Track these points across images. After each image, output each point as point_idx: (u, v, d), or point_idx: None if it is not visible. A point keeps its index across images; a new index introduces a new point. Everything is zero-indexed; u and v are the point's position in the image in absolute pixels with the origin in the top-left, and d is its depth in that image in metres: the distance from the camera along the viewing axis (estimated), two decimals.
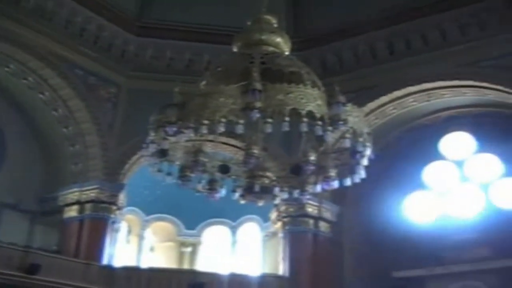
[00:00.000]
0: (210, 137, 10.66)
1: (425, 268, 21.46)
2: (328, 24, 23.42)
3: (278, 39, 10.74)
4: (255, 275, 22.67)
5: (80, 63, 22.61)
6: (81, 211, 22.00)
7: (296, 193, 10.73)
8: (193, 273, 23.16)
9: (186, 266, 25.38)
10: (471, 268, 20.83)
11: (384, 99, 22.76)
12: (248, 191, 10.45)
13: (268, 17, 11.03)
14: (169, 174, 10.48)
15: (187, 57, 23.97)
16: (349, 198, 22.96)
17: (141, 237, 25.21)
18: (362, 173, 10.17)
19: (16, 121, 22.80)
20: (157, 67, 23.89)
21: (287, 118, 9.04)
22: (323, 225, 22.99)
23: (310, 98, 9.31)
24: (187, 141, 10.37)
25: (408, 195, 23.76)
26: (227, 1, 23.35)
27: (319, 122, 9.16)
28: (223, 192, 10.85)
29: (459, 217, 22.71)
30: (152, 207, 24.87)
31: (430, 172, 23.83)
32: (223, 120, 9.13)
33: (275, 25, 11.02)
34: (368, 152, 9.91)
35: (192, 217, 25.39)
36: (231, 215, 25.40)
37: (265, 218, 24.40)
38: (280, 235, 23.15)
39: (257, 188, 10.35)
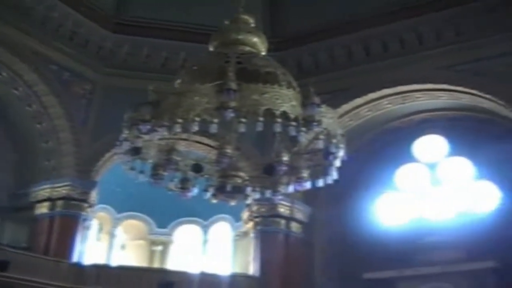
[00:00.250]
0: (184, 135, 10.62)
1: (396, 269, 21.54)
2: (305, 25, 23.46)
3: (255, 39, 10.74)
4: (226, 274, 22.63)
5: (55, 59, 22.44)
6: (52, 208, 21.85)
7: (268, 193, 10.72)
8: (163, 272, 23.12)
9: (156, 264, 25.31)
10: (441, 270, 20.97)
11: (359, 101, 22.85)
12: (220, 190, 10.43)
13: (246, 17, 11.02)
14: (141, 172, 10.41)
15: (164, 55, 23.88)
16: (321, 199, 23.01)
17: (112, 235, 25.09)
18: (334, 175, 10.20)
19: None
20: (133, 64, 23.77)
21: (261, 118, 9.03)
22: (294, 226, 23.01)
23: (285, 99, 9.30)
24: (160, 139, 10.32)
25: (380, 197, 23.87)
26: (205, 0, 23.29)
27: (293, 123, 9.16)
28: (195, 191, 10.81)
29: (431, 219, 22.86)
30: (124, 205, 24.78)
31: (403, 174, 23.96)
32: (197, 119, 9.11)
33: (253, 25, 11.01)
34: (341, 153, 9.94)
35: (163, 215, 25.36)
36: (202, 214, 25.36)
37: (237, 218, 24.40)
38: (252, 235, 23.16)
39: (229, 187, 10.34)
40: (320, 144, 9.92)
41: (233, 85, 9.05)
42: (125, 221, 25.53)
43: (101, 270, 21.56)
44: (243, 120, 9.20)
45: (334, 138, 9.77)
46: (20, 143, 22.90)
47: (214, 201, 10.71)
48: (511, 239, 19.96)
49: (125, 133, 9.78)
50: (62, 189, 21.94)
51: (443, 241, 21.46)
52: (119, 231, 25.39)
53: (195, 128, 9.18)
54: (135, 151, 10.04)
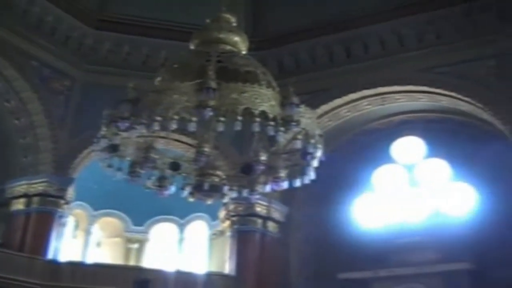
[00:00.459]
0: (163, 133, 10.61)
1: (371, 270, 21.62)
2: (287, 25, 23.48)
3: (236, 38, 10.74)
4: (201, 273, 22.53)
5: (35, 55, 22.24)
6: (28, 204, 21.68)
7: (245, 193, 10.72)
8: (139, 269, 22.93)
9: (132, 262, 25.19)
10: (415, 271, 21.05)
11: (338, 101, 22.87)
12: (197, 189, 10.40)
13: (227, 16, 11.01)
14: (119, 169, 10.35)
15: (145, 52, 23.78)
16: (298, 199, 23.04)
17: (88, 232, 24.95)
18: (312, 175, 10.23)
19: None
20: (113, 61, 23.66)
21: (240, 118, 9.04)
22: (271, 225, 23.00)
23: (264, 98, 9.33)
24: (138, 137, 10.30)
25: (358, 198, 23.95)
26: None
27: (272, 123, 9.19)
28: (172, 189, 10.77)
29: (406, 220, 22.93)
30: (100, 202, 24.63)
31: (380, 175, 24.05)
32: (176, 117, 9.12)
33: (234, 24, 11.00)
34: (319, 153, 9.98)
35: (140, 213, 25.26)
36: (179, 213, 25.28)
37: (214, 217, 24.36)
38: (228, 234, 23.13)
39: (206, 186, 10.31)
40: (298, 144, 9.94)
41: (213, 84, 9.06)
42: (101, 218, 25.40)
43: (76, 268, 21.40)
44: (222, 119, 9.20)
45: (312, 138, 9.80)
46: None
47: (191, 199, 10.68)
48: (487, 241, 20.06)
49: (103, 130, 9.76)
50: (38, 185, 21.77)
51: (419, 242, 21.55)
52: (95, 228, 25.26)
53: (174, 126, 9.18)
54: (113, 149, 9.99)
